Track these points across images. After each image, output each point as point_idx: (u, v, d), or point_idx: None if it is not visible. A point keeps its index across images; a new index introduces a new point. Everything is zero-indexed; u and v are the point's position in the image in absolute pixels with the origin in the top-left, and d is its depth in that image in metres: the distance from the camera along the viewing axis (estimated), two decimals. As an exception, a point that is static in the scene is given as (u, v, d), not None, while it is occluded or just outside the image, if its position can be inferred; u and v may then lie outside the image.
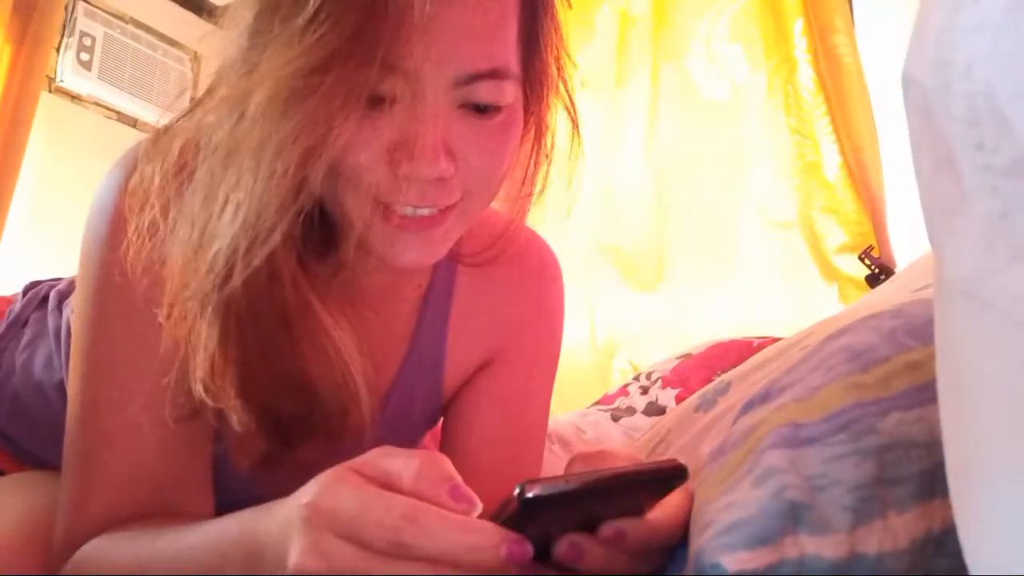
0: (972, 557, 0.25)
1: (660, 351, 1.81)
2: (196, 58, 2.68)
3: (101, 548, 0.53)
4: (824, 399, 0.41)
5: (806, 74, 1.80)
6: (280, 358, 0.52)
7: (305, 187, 0.47)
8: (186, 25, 2.68)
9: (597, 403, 1.56)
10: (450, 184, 0.52)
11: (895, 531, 0.36)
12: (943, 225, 0.24)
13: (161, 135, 0.56)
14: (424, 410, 0.71)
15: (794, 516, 0.36)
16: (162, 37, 2.59)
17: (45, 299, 0.80)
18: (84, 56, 2.36)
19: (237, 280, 0.48)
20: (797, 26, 1.82)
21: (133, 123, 2.50)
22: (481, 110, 0.51)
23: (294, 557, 0.37)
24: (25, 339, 0.76)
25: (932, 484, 0.37)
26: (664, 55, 2.09)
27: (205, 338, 0.51)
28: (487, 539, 0.35)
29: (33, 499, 0.65)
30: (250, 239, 0.47)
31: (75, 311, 0.60)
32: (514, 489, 0.36)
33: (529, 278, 0.73)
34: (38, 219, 2.22)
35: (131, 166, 0.58)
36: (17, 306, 0.80)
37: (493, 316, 0.71)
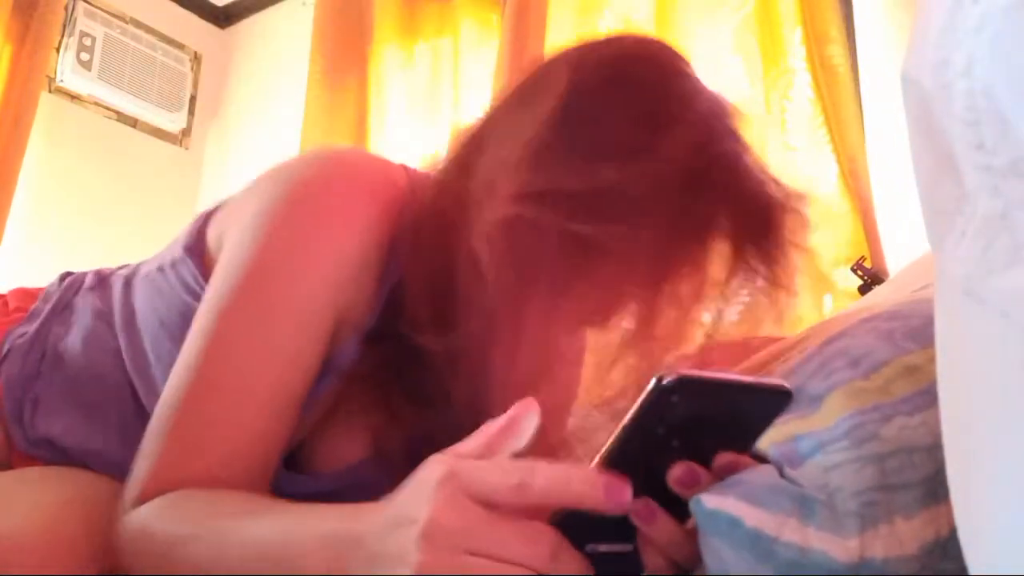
0: (972, 557, 0.25)
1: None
2: (196, 58, 2.68)
3: (161, 516, 0.51)
4: (825, 412, 0.41)
5: (805, 81, 1.80)
6: None
7: None
8: (186, 25, 2.67)
9: (595, 406, 1.56)
10: None
11: (902, 536, 0.36)
12: (943, 225, 0.24)
13: (435, 188, 0.60)
14: None
15: (803, 504, 0.37)
16: (162, 37, 2.59)
17: (82, 284, 0.77)
18: (84, 56, 2.35)
19: None
20: (796, 36, 1.83)
21: (133, 123, 2.50)
22: None
23: (429, 509, 0.37)
24: (75, 322, 0.73)
25: (938, 489, 0.37)
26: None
27: None
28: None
29: (44, 494, 0.63)
30: None
31: (230, 258, 0.59)
32: (651, 380, 0.37)
33: None
34: (38, 219, 2.22)
35: (388, 192, 0.61)
36: (55, 292, 0.77)
37: None
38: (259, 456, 0.56)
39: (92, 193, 2.32)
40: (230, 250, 0.60)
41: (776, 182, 0.55)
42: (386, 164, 0.65)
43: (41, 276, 0.85)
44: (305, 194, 0.59)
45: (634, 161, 0.51)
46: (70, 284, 0.77)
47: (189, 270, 0.66)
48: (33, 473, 0.67)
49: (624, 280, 0.54)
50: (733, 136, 0.55)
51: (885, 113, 1.70)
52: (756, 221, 0.54)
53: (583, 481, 0.36)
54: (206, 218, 0.69)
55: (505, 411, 0.54)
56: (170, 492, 0.53)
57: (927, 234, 0.26)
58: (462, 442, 0.40)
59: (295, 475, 0.63)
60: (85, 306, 0.74)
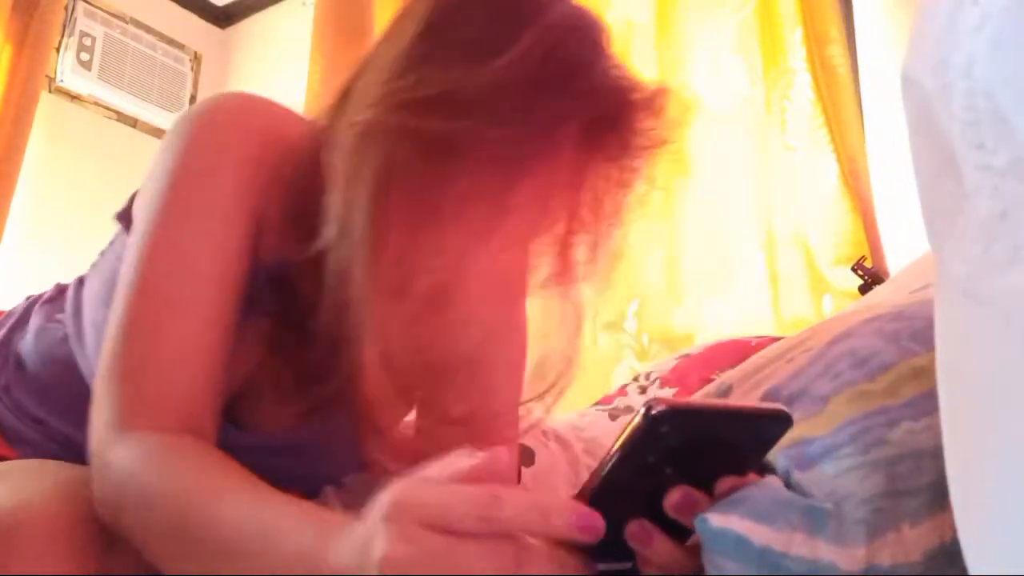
0: (972, 557, 0.25)
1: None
2: (196, 58, 2.68)
3: (154, 470, 0.51)
4: (832, 412, 0.41)
5: (805, 82, 1.80)
6: None
7: None
8: (186, 25, 2.68)
9: (596, 404, 1.56)
10: None
11: (908, 544, 0.36)
12: (943, 225, 0.24)
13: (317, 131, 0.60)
14: None
15: (810, 515, 0.36)
16: (162, 37, 2.59)
17: (41, 298, 0.81)
18: (84, 56, 2.35)
19: None
20: (796, 36, 1.83)
21: (133, 123, 2.50)
22: None
23: (382, 547, 0.36)
24: (31, 327, 0.76)
25: (944, 495, 0.37)
26: (667, 64, 2.09)
27: None
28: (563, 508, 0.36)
29: (54, 474, 0.62)
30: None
31: (156, 182, 0.61)
32: (640, 408, 0.36)
33: None
34: (38, 219, 2.22)
35: (282, 124, 0.63)
36: (19, 308, 0.81)
37: None
38: (209, 375, 0.57)
39: (92, 193, 2.32)
40: (143, 197, 0.63)
41: (635, 84, 0.56)
42: (285, 109, 0.68)
43: (40, 276, 0.87)
44: (202, 124, 0.62)
45: (485, 62, 0.52)
46: (33, 300, 0.82)
47: (121, 240, 0.68)
48: (32, 463, 0.67)
49: (479, 182, 0.54)
50: (589, 42, 0.56)
51: (885, 113, 1.70)
52: (607, 118, 0.55)
53: (551, 512, 0.36)
54: (139, 190, 0.71)
55: (372, 331, 0.55)
56: (137, 433, 0.53)
57: (927, 234, 0.26)
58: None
59: (242, 433, 0.64)
60: (40, 313, 0.78)
